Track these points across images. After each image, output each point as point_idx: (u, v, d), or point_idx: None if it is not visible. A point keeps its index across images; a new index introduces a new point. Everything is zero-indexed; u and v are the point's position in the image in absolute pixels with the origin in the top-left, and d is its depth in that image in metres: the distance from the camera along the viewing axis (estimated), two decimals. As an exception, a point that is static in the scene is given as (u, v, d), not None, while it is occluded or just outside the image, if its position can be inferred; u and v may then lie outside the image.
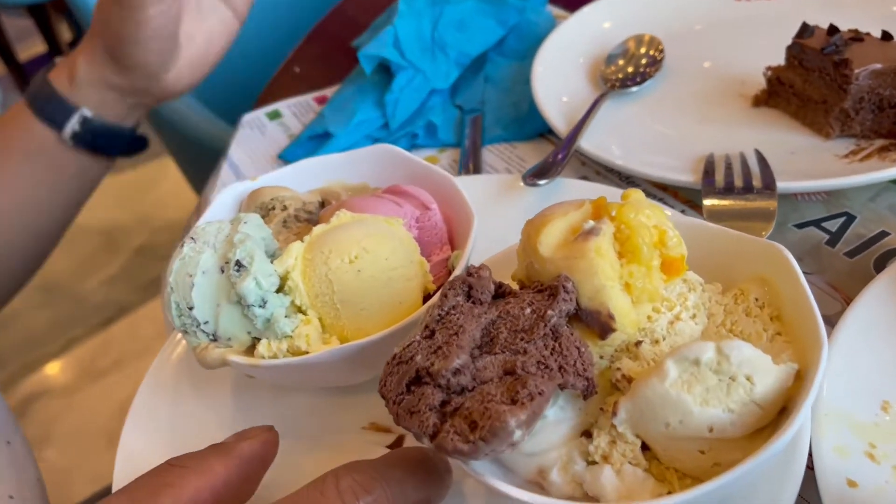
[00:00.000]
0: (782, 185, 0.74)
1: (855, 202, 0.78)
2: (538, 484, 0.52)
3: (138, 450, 0.66)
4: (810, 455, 0.54)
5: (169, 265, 0.61)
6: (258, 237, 0.62)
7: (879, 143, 0.80)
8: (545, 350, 0.49)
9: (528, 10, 1.14)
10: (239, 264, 0.59)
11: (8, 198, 0.98)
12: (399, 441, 0.64)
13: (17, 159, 0.98)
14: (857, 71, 0.77)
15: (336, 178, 0.75)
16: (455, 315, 0.51)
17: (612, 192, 0.76)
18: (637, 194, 0.55)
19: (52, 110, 0.96)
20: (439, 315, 0.51)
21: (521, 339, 0.49)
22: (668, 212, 0.56)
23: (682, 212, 0.82)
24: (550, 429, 0.52)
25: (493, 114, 1.01)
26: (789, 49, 0.85)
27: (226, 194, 0.71)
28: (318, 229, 0.63)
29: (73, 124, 0.96)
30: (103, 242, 3.33)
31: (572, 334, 0.50)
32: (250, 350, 0.61)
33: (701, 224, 0.60)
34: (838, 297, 0.70)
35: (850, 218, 0.77)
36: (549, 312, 0.49)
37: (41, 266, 1.09)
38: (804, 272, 0.72)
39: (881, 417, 0.57)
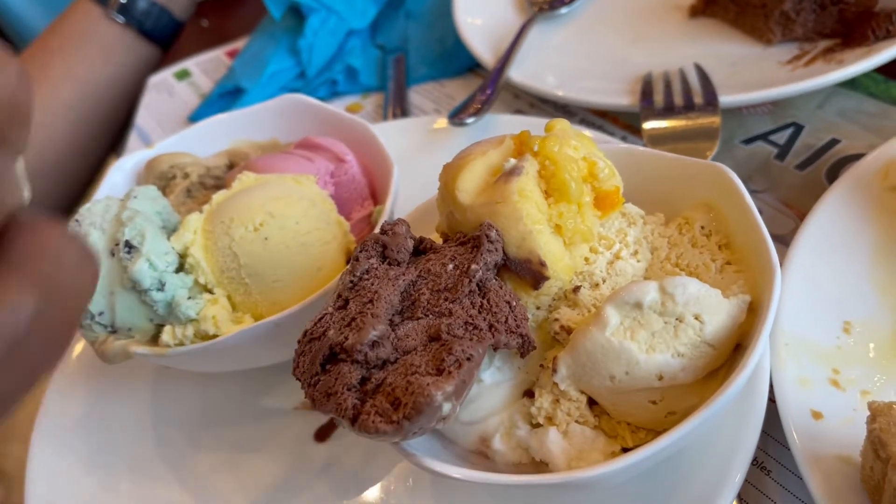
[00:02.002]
0: (725, 99, 0.69)
1: (802, 111, 0.74)
2: (482, 453, 0.48)
3: (52, 465, 0.60)
4: (772, 388, 0.50)
5: None
6: (151, 212, 0.55)
7: (823, 44, 0.75)
8: (472, 309, 0.43)
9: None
10: (129, 245, 0.52)
11: (69, 86, 1.02)
12: (331, 422, 0.59)
13: (73, 44, 1.04)
14: (795, -33, 0.72)
15: (243, 137, 0.68)
16: (369, 280, 0.45)
17: (540, 125, 0.70)
18: (562, 124, 0.49)
19: None
20: (352, 282, 0.46)
21: (445, 300, 0.44)
22: (591, 136, 0.50)
23: (623, 138, 0.77)
24: (489, 393, 0.47)
25: (417, 52, 0.94)
26: (723, -49, 0.79)
27: (117, 169, 0.64)
28: (217, 196, 0.56)
29: None
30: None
31: (501, 288, 0.45)
32: (156, 338, 0.55)
33: (636, 150, 0.54)
34: (791, 213, 0.66)
35: (799, 128, 0.72)
36: (473, 267, 0.44)
37: (100, 167, 1.11)
38: (754, 190, 0.68)
39: (843, 340, 0.53)
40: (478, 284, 0.44)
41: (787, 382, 0.50)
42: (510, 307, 0.44)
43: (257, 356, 0.57)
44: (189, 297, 0.53)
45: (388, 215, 0.58)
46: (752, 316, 0.44)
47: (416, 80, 0.91)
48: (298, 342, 0.45)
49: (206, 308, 0.53)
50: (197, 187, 0.64)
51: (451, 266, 0.45)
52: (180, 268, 0.54)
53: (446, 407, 0.40)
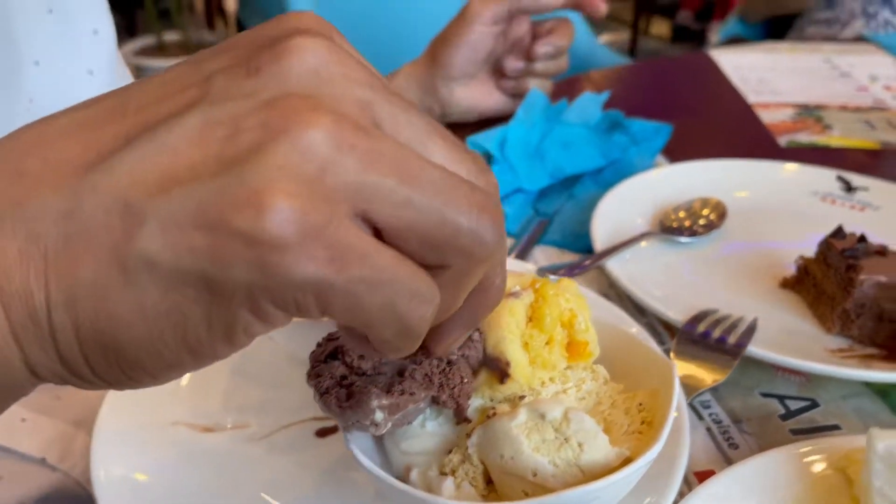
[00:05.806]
0: (758, 350, 0.80)
1: (828, 393, 0.83)
2: (403, 479, 0.62)
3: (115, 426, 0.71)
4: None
5: None
6: None
7: (870, 350, 0.84)
8: (436, 369, 0.60)
9: (634, 154, 1.26)
10: None
11: None
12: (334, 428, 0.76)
13: None
14: (862, 277, 0.83)
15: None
16: (384, 319, 0.64)
17: (603, 305, 0.85)
18: (569, 283, 0.65)
19: None
20: (374, 315, 0.64)
21: (422, 355, 0.61)
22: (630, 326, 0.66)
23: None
24: (426, 437, 0.62)
25: (559, 223, 1.13)
26: (820, 244, 0.91)
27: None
28: None
29: None
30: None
31: (462, 369, 0.61)
32: None
33: (625, 333, 0.69)
34: (761, 459, 0.74)
35: (815, 405, 0.81)
36: (452, 347, 0.61)
37: None
38: (744, 431, 0.78)
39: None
40: (448, 358, 0.61)
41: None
42: (462, 380, 0.60)
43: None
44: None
45: None
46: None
47: (546, 241, 1.10)
48: (322, 338, 0.64)
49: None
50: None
51: (439, 337, 0.62)
52: None
53: (378, 415, 0.56)
